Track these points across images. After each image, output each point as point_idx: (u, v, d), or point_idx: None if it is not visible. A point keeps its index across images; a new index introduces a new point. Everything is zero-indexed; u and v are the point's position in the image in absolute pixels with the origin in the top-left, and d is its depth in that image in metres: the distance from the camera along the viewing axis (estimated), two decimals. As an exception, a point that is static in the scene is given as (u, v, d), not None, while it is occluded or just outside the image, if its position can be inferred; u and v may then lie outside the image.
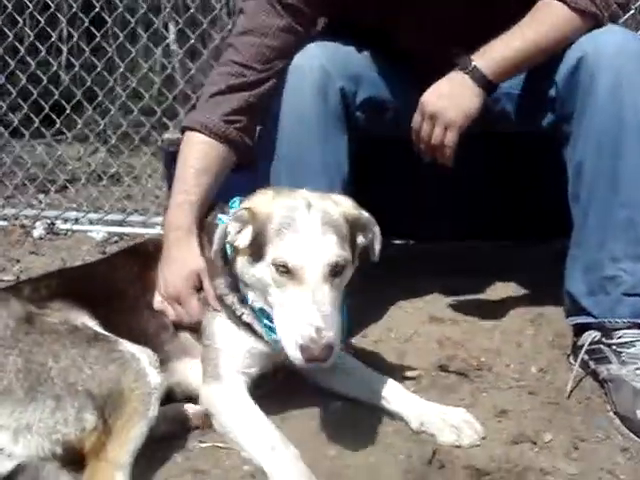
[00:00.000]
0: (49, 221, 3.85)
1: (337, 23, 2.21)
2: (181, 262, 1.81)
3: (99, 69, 4.24)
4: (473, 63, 1.88)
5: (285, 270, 1.53)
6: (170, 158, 2.74)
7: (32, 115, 4.33)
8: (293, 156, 2.04)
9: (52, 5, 4.31)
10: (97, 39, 4.22)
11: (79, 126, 4.37)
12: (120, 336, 1.59)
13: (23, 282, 1.96)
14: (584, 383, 1.87)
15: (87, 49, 4.34)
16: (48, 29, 4.34)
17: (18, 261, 3.25)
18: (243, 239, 1.65)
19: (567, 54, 1.90)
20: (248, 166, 2.03)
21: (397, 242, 3.05)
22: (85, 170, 4.62)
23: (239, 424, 1.62)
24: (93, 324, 1.63)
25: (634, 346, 1.81)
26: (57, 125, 4.35)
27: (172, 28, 5.36)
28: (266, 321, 1.65)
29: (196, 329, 1.80)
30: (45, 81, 4.29)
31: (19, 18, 4.35)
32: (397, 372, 1.94)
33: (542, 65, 1.93)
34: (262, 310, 1.67)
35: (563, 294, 1.98)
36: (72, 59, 4.62)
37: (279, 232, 1.55)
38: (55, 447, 1.42)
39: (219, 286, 1.76)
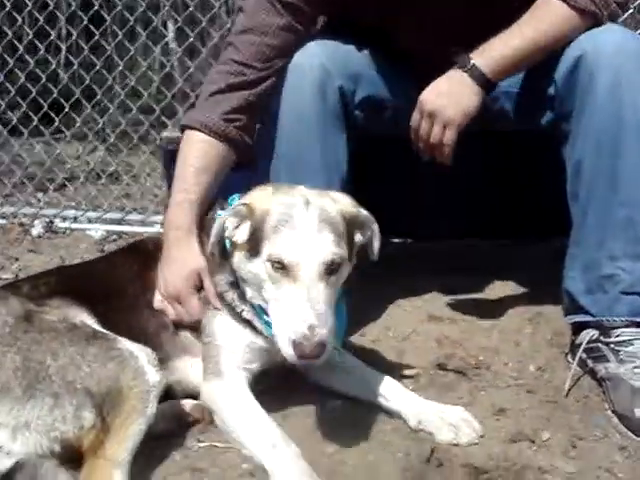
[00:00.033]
0: (48, 219, 3.85)
1: (336, 22, 2.21)
2: (181, 261, 1.81)
3: (98, 67, 4.23)
4: (472, 61, 1.88)
5: (280, 267, 1.54)
6: (169, 157, 2.75)
7: (31, 113, 4.33)
8: (292, 154, 2.04)
9: (51, 3, 4.31)
10: (96, 37, 4.22)
11: (78, 124, 4.36)
12: (120, 335, 1.58)
13: (22, 280, 1.96)
14: (582, 382, 1.88)
15: (86, 47, 4.35)
16: (47, 27, 4.33)
17: (17, 259, 3.25)
18: (241, 234, 1.65)
19: (566, 53, 1.90)
20: (248, 165, 2.03)
21: (396, 241, 3.05)
22: (84, 169, 4.62)
23: (240, 421, 1.62)
24: (92, 322, 1.63)
25: (632, 344, 1.81)
26: (56, 123, 4.35)
27: (171, 26, 5.36)
28: (266, 317, 1.65)
29: (196, 328, 1.80)
30: (44, 79, 4.30)
31: (18, 16, 4.35)
32: (395, 371, 1.94)
33: (541, 64, 1.93)
34: (261, 306, 1.67)
35: (561, 293, 1.98)
36: (71, 57, 4.59)
37: (276, 228, 1.56)
38: (53, 445, 1.41)
39: (219, 283, 1.77)
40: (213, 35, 4.12)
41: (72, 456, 1.44)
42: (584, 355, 1.88)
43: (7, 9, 4.27)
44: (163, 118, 4.22)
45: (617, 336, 1.83)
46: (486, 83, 1.88)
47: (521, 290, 2.53)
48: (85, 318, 1.63)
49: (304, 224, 1.55)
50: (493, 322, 2.27)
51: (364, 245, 1.72)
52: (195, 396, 1.76)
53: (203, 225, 1.87)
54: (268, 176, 2.05)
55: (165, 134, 3.01)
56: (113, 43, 4.31)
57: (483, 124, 1.96)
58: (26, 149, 4.56)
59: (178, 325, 1.81)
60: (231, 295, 1.74)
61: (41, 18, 4.27)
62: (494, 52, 1.88)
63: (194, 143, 1.94)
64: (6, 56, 4.32)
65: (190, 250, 1.82)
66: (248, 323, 1.73)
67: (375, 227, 1.71)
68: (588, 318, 1.89)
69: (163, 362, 1.65)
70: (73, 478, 1.42)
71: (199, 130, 1.93)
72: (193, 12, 4.05)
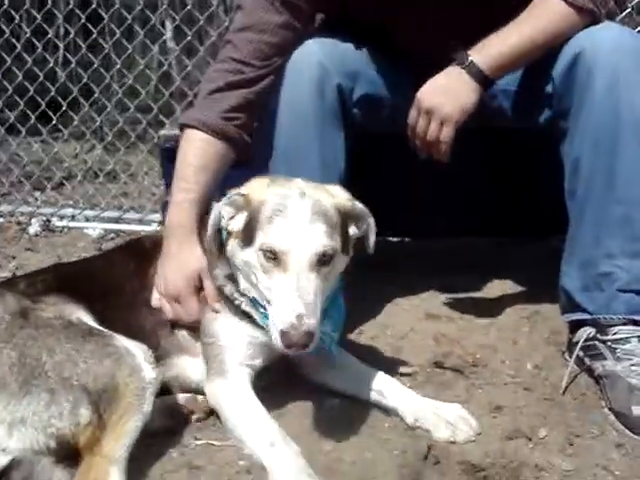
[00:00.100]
0: (45, 218, 3.85)
1: (334, 20, 2.21)
2: (182, 261, 1.81)
3: (95, 66, 4.22)
4: (470, 58, 1.88)
5: (272, 256, 1.55)
6: (166, 154, 2.75)
7: (28, 112, 4.31)
8: (290, 152, 2.04)
9: (49, 1, 4.29)
10: (94, 36, 4.20)
11: (75, 123, 4.36)
12: (117, 332, 1.58)
13: (19, 277, 1.96)
14: (579, 379, 1.88)
15: (84, 46, 4.35)
16: (45, 26, 4.33)
17: (14, 258, 3.25)
18: (236, 223, 1.67)
19: (564, 50, 1.90)
20: (246, 163, 2.03)
21: (393, 239, 3.05)
22: (81, 167, 4.61)
23: (240, 419, 1.63)
24: (89, 319, 1.63)
25: (629, 342, 1.81)
26: (53, 122, 4.34)
27: (169, 25, 5.36)
28: (262, 309, 1.66)
29: (193, 327, 1.80)
30: (41, 78, 4.28)
31: (15, 15, 4.34)
32: (393, 368, 1.94)
33: (539, 61, 1.93)
34: (255, 299, 1.68)
35: (559, 291, 1.98)
36: (69, 56, 4.59)
37: (270, 218, 1.57)
38: (49, 441, 1.41)
39: (218, 277, 1.77)
40: (211, 34, 4.11)
41: (68, 453, 1.43)
42: (581, 353, 1.88)
43: (4, 7, 4.27)
44: (161, 117, 4.21)
45: (614, 334, 1.83)
46: (484, 80, 1.88)
47: (519, 288, 2.53)
48: (82, 315, 1.63)
49: (297, 214, 1.56)
50: (490, 320, 2.27)
51: (361, 239, 1.72)
52: (192, 393, 1.76)
53: (203, 223, 1.87)
54: (265, 173, 2.04)
55: (162, 132, 3.01)
56: (111, 42, 4.30)
57: (480, 121, 1.96)
58: (24, 148, 4.57)
59: (175, 324, 1.82)
60: (229, 288, 1.75)
61: (38, 16, 4.25)
62: (492, 49, 1.88)
63: (193, 142, 1.93)
64: (3, 54, 4.31)
65: (191, 250, 1.83)
66: (247, 316, 1.73)
67: (371, 221, 1.71)
68: (585, 316, 1.89)
69: (160, 359, 1.65)
70: (70, 475, 1.42)
71: (198, 129, 1.93)
72: (191, 11, 4.05)
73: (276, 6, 1.98)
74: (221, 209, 1.68)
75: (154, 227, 3.64)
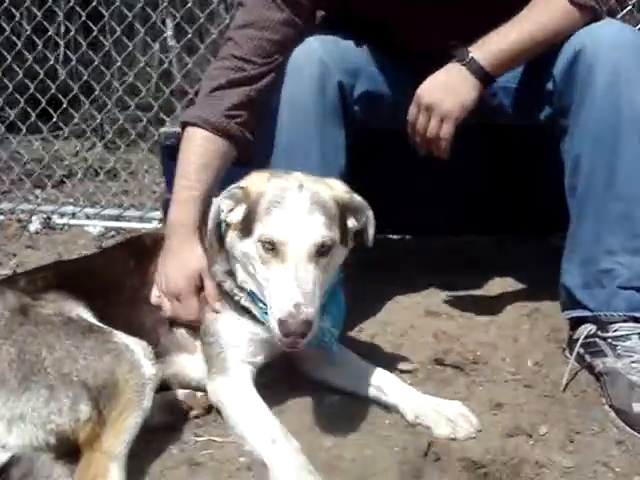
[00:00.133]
0: (45, 215, 3.85)
1: (335, 17, 2.20)
2: (183, 260, 1.81)
3: (96, 64, 4.23)
4: (470, 55, 1.88)
5: (271, 247, 1.56)
6: (166, 152, 2.74)
7: (29, 110, 4.32)
8: (291, 148, 2.04)
9: (49, -1, 4.31)
10: (94, 34, 4.20)
11: (76, 121, 4.36)
12: (117, 329, 1.58)
13: (19, 274, 1.96)
14: (580, 376, 1.88)
15: (84, 44, 4.36)
16: (45, 23, 4.33)
17: (14, 255, 3.25)
18: (235, 215, 1.68)
19: (565, 47, 1.89)
20: (247, 160, 2.03)
21: (393, 237, 3.04)
22: (82, 165, 4.61)
23: (242, 416, 1.63)
24: (89, 316, 1.63)
25: (629, 339, 1.81)
26: (54, 120, 4.33)
27: (169, 23, 5.35)
28: (261, 304, 1.66)
29: (192, 326, 1.80)
30: (42, 76, 4.28)
31: (16, 12, 4.34)
32: (393, 365, 1.94)
33: (540, 58, 1.92)
34: (253, 292, 1.68)
35: (559, 288, 1.98)
36: (69, 54, 4.58)
37: (268, 210, 1.58)
38: (49, 437, 1.41)
39: (217, 273, 1.77)
40: (212, 32, 4.10)
41: (68, 449, 1.44)
42: (582, 350, 1.88)
43: (5, 5, 4.27)
44: (161, 115, 4.22)
45: (615, 331, 1.83)
46: (484, 77, 1.88)
47: (519, 286, 2.53)
48: (81, 312, 1.63)
49: (295, 206, 1.57)
50: (491, 318, 2.27)
51: (360, 232, 1.73)
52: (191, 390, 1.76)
53: (205, 220, 1.86)
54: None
55: (163, 130, 3.01)
56: (111, 39, 4.30)
57: (481, 119, 1.96)
58: (24, 146, 4.56)
59: (173, 322, 1.82)
60: (229, 284, 1.75)
61: (39, 14, 4.25)
62: (493, 46, 1.88)
63: (195, 140, 1.93)
64: (4, 52, 4.30)
65: (193, 250, 1.82)
66: (247, 312, 1.74)
67: (370, 214, 1.72)
68: (586, 313, 1.89)
69: (160, 356, 1.65)
70: (69, 471, 1.42)
71: (199, 126, 1.92)
72: (191, 9, 4.05)
73: (277, 3, 1.98)
74: (220, 202, 1.68)
75: (154, 225, 3.65)
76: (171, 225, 1.87)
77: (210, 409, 1.74)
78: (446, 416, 1.66)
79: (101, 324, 1.61)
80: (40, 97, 4.30)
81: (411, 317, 2.29)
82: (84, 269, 1.88)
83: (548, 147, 2.03)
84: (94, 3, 4.13)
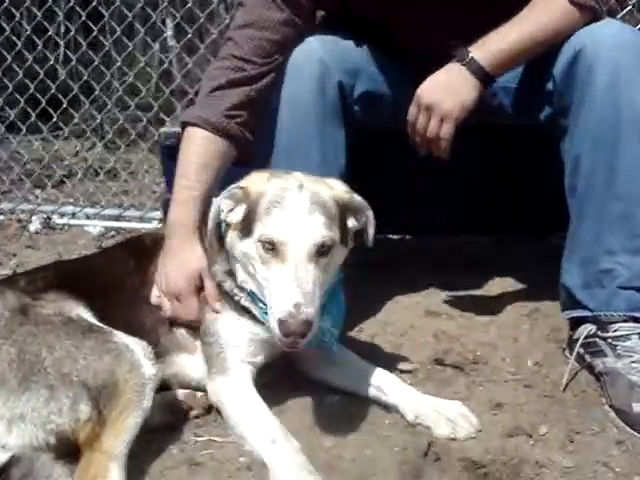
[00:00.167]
0: (45, 215, 3.85)
1: (334, 17, 2.20)
2: (183, 260, 1.81)
3: (96, 64, 4.23)
4: (470, 54, 1.88)
5: (271, 247, 1.56)
6: (166, 152, 2.74)
7: (29, 110, 4.32)
8: (291, 148, 2.04)
9: (49, -1, 4.31)
10: (94, 34, 4.20)
11: (76, 121, 4.36)
12: (117, 329, 1.58)
13: (19, 274, 1.96)
14: (580, 376, 1.88)
15: (84, 44, 4.35)
16: (45, 23, 4.32)
17: (14, 255, 3.25)
18: (235, 215, 1.68)
19: (565, 47, 1.89)
20: (247, 160, 2.03)
21: (394, 237, 3.05)
22: (82, 165, 4.61)
23: (242, 416, 1.63)
24: (89, 316, 1.63)
25: (629, 339, 1.81)
26: (54, 120, 4.33)
27: (169, 23, 5.35)
28: (261, 304, 1.66)
29: (191, 326, 1.81)
30: (42, 76, 4.28)
31: (16, 12, 4.34)
32: (393, 365, 1.94)
33: (539, 58, 1.92)
34: (253, 292, 1.68)
35: (559, 288, 1.98)
36: (69, 54, 4.58)
37: (268, 210, 1.59)
38: (49, 437, 1.42)
39: (217, 273, 1.78)
40: (212, 32, 4.10)
41: (68, 449, 1.44)
42: (582, 350, 1.88)
43: (5, 5, 4.27)
44: (161, 114, 4.22)
45: (615, 331, 1.83)
46: (484, 77, 1.88)
47: (519, 286, 2.53)
48: (81, 312, 1.63)
49: (295, 205, 1.57)
50: (491, 318, 2.27)
51: (360, 232, 1.73)
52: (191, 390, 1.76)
53: (205, 220, 1.87)
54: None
55: (163, 130, 3.01)
56: (111, 39, 4.30)
57: (481, 119, 1.95)
58: (24, 146, 4.56)
59: (173, 322, 1.82)
60: (229, 284, 1.75)
61: (39, 14, 4.25)
62: (493, 46, 1.88)
63: (195, 140, 1.93)
64: (4, 52, 4.30)
65: (193, 250, 1.83)
66: (247, 312, 1.74)
67: (370, 213, 1.72)
68: (586, 313, 1.89)
69: (160, 356, 1.65)
70: (69, 471, 1.42)
71: (200, 126, 1.92)
72: (191, 9, 4.05)
73: (277, 3, 1.98)
74: (220, 202, 1.68)
75: (154, 225, 3.65)
76: (171, 225, 1.87)
77: (210, 409, 1.74)
78: (446, 416, 1.66)
79: (101, 324, 1.61)
80: (40, 97, 4.29)
81: (411, 317, 2.29)
82: (84, 269, 1.88)
83: (548, 147, 2.03)
84: (94, 3, 4.13)
